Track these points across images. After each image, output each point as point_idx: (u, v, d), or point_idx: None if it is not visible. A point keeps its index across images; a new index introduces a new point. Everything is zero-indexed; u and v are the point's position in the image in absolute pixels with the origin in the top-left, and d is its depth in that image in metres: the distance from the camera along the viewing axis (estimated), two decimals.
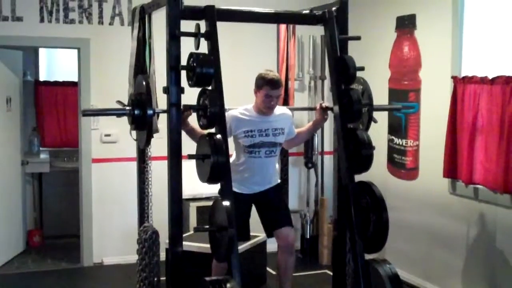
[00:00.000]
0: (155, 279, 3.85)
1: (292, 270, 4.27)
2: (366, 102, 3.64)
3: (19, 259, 5.89)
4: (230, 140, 3.62)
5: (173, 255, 3.31)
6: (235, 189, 3.53)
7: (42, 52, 7.05)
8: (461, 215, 4.46)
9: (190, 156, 3.20)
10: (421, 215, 4.93)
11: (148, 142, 3.55)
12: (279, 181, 4.33)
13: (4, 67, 5.73)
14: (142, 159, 4.08)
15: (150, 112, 3.34)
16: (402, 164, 5.13)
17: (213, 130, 3.30)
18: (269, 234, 4.23)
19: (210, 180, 3.15)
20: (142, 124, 3.42)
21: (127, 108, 3.44)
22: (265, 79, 3.90)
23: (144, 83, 3.44)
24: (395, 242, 3.72)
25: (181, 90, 3.31)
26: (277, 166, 4.34)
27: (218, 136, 3.16)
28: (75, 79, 5.98)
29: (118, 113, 3.56)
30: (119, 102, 3.66)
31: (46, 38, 5.45)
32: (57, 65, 7.23)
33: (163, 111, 3.49)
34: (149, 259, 3.82)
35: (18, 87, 6.06)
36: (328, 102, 5.90)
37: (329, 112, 3.98)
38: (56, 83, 6.98)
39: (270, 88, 3.88)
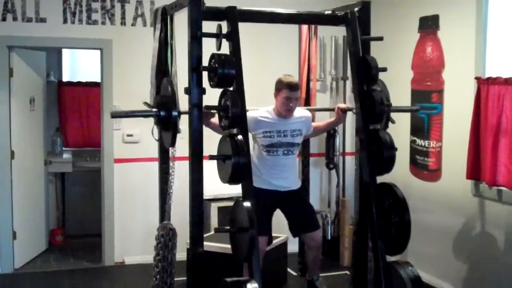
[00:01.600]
0: (168, 274, 3.85)
1: (319, 261, 4.57)
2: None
3: (42, 257, 5.95)
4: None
5: (194, 256, 3.32)
6: (255, 184, 3.59)
7: (65, 52, 7.11)
8: (484, 217, 4.42)
9: (211, 157, 3.21)
10: (443, 217, 4.89)
11: (173, 142, 3.62)
12: (300, 183, 4.50)
13: (28, 67, 5.79)
14: (164, 159, 4.09)
15: (175, 113, 3.42)
16: (424, 165, 5.09)
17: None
18: (296, 235, 4.45)
19: (231, 180, 3.15)
20: (168, 125, 3.50)
21: (154, 110, 3.53)
22: (284, 82, 4.12)
23: (169, 85, 3.53)
24: (416, 244, 3.70)
25: (203, 91, 3.31)
26: (297, 166, 4.49)
27: (239, 137, 3.16)
28: (98, 80, 6.03)
29: (145, 114, 3.66)
30: (146, 103, 3.75)
31: (69, 39, 5.50)
32: (80, 66, 7.28)
33: (186, 113, 3.53)
34: (163, 255, 3.84)
35: (42, 87, 6.12)
36: (349, 103, 5.94)
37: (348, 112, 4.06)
38: (79, 84, 7.04)
39: (289, 91, 4.08)
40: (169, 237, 3.86)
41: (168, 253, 3.83)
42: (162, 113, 3.46)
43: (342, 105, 4.41)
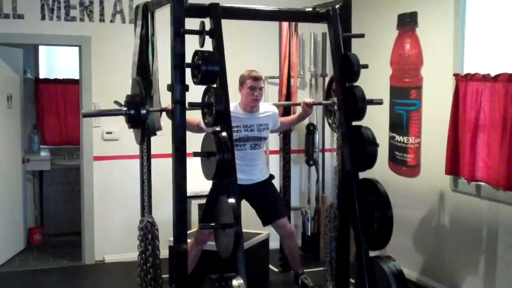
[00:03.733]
0: (153, 266, 3.84)
1: (298, 252, 4.72)
2: None
3: (20, 257, 5.89)
4: None
5: (178, 253, 3.32)
6: None
7: (42, 49, 7.05)
8: (463, 212, 4.48)
9: (195, 154, 3.21)
10: (423, 212, 4.95)
11: (143, 140, 3.79)
12: (268, 174, 4.61)
13: (5, 64, 5.72)
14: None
15: (143, 111, 3.57)
16: (403, 161, 5.14)
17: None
18: (265, 224, 4.59)
19: (216, 177, 3.16)
20: (137, 123, 3.64)
21: (124, 108, 3.63)
22: (246, 74, 4.31)
23: (138, 85, 3.66)
24: (396, 239, 3.74)
25: (186, 88, 3.31)
26: (264, 159, 4.65)
27: (224, 133, 3.16)
28: (75, 77, 5.99)
29: (115, 113, 3.79)
30: (116, 102, 3.80)
31: (48, 35, 5.45)
32: (56, 63, 7.23)
33: (157, 110, 3.78)
34: (145, 247, 3.86)
35: (19, 84, 6.05)
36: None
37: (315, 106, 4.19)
38: (56, 81, 6.97)
39: (252, 80, 4.24)
40: (148, 229, 3.86)
41: (149, 245, 3.82)
42: (131, 111, 3.58)
43: (307, 100, 4.53)
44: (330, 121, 4.46)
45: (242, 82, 4.30)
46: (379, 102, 3.99)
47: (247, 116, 4.31)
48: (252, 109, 4.31)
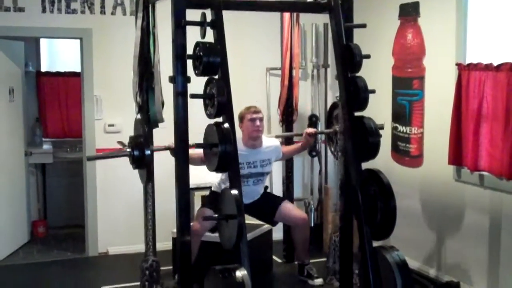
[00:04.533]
0: None
1: (308, 242, 4.73)
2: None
3: (24, 249, 5.91)
4: None
5: (181, 244, 3.32)
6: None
7: (43, 42, 7.04)
8: (466, 202, 4.47)
9: (198, 146, 3.21)
10: (426, 203, 4.94)
11: (149, 180, 3.85)
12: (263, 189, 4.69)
13: (6, 57, 5.72)
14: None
15: (148, 152, 3.69)
16: (406, 151, 5.13)
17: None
18: (274, 223, 4.70)
19: (218, 169, 3.15)
20: (141, 164, 3.75)
21: (128, 149, 3.72)
22: (244, 109, 4.41)
23: (141, 125, 3.76)
24: (399, 229, 3.73)
25: (188, 79, 3.30)
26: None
27: (226, 125, 3.16)
28: (77, 69, 5.99)
29: (120, 155, 3.83)
30: (120, 142, 3.88)
31: (49, 28, 5.44)
32: (58, 56, 7.21)
33: (160, 149, 3.86)
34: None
35: (20, 77, 6.05)
36: (330, 90, 5.97)
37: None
38: (57, 74, 6.97)
39: (251, 113, 4.38)
40: (153, 268, 3.95)
41: (153, 283, 3.92)
42: (135, 152, 3.69)
43: (309, 130, 4.64)
44: (332, 149, 4.48)
45: (241, 117, 4.40)
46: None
47: (250, 152, 4.36)
48: (255, 143, 4.37)
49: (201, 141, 3.30)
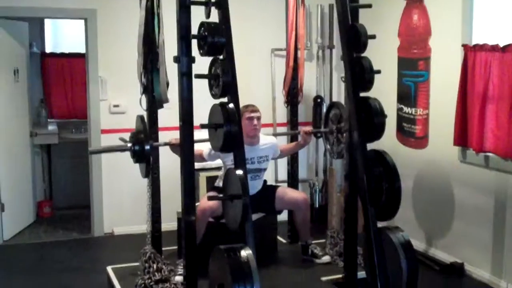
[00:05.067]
0: None
1: (309, 222, 4.74)
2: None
3: (30, 229, 5.95)
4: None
5: (186, 224, 3.33)
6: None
7: (48, 23, 7.02)
8: (472, 183, 4.47)
9: (202, 126, 3.20)
10: (431, 184, 4.95)
11: (148, 173, 4.03)
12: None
13: (11, 38, 5.72)
14: (154, 129, 4.15)
15: (147, 147, 3.84)
16: (411, 132, 5.13)
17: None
18: (277, 212, 4.75)
19: (223, 149, 3.15)
20: (142, 158, 3.89)
21: (129, 144, 3.88)
22: (243, 107, 4.30)
23: (141, 121, 3.90)
24: (404, 210, 3.75)
25: (192, 60, 3.29)
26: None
27: (231, 105, 3.15)
28: (81, 51, 5.98)
29: (121, 149, 3.99)
30: (121, 139, 4.02)
31: (53, 9, 5.43)
32: (62, 37, 7.21)
33: (160, 145, 4.11)
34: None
35: (25, 58, 6.05)
36: (336, 71, 5.95)
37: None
38: (62, 55, 6.97)
39: (249, 112, 4.39)
40: (152, 260, 4.08)
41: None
42: (136, 147, 3.85)
43: (306, 129, 4.67)
44: (329, 147, 4.47)
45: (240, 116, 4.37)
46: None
47: (247, 149, 4.27)
48: (253, 140, 4.37)
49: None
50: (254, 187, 4.51)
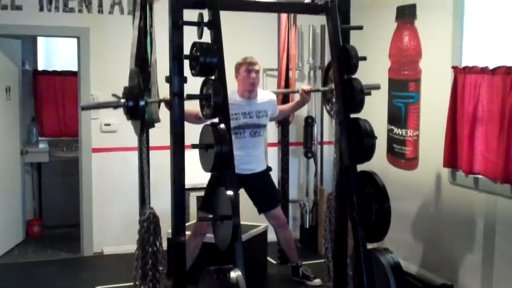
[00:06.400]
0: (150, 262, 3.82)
1: (293, 241, 4.81)
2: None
3: (19, 248, 5.91)
4: None
5: (176, 245, 3.32)
6: None
7: (40, 41, 7.03)
8: (461, 205, 4.48)
9: (193, 146, 3.21)
10: (420, 205, 4.95)
11: (142, 131, 3.78)
12: (265, 166, 4.61)
13: (3, 56, 5.72)
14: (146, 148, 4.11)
15: (142, 103, 3.56)
16: (401, 154, 5.14)
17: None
18: (260, 212, 4.65)
19: (214, 169, 3.15)
20: (136, 115, 3.63)
21: (122, 100, 3.63)
22: (240, 60, 4.39)
23: (135, 76, 3.65)
24: (394, 232, 3.75)
25: (184, 80, 3.30)
26: (263, 148, 4.68)
27: (222, 125, 3.16)
28: (74, 69, 5.99)
29: (114, 105, 3.78)
30: (114, 95, 3.84)
31: (46, 27, 5.45)
32: (55, 55, 7.22)
33: (156, 101, 3.75)
34: (147, 240, 3.80)
35: (17, 76, 6.05)
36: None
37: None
38: (54, 73, 6.97)
39: (248, 64, 4.33)
40: (151, 221, 3.80)
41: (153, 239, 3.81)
42: (129, 103, 3.57)
43: (305, 87, 4.56)
44: (328, 108, 4.47)
45: (237, 69, 4.36)
46: (376, 87, 4.00)
47: (246, 102, 4.31)
48: (250, 94, 4.32)
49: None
50: (254, 145, 4.41)
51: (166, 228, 4.17)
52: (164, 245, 4.65)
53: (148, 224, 3.76)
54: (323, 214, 5.63)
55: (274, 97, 4.59)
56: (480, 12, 4.34)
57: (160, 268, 3.78)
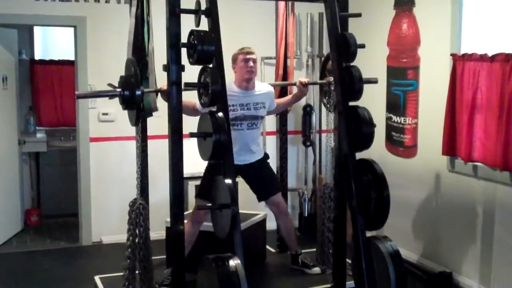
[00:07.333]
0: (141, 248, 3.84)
1: (293, 229, 4.76)
2: None
3: (18, 238, 5.91)
4: None
5: (175, 234, 3.31)
6: None
7: (37, 30, 7.00)
8: (460, 192, 4.48)
9: (192, 135, 3.20)
10: (419, 193, 4.95)
11: (138, 121, 3.78)
12: (263, 154, 4.57)
13: (0, 45, 5.69)
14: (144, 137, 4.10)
15: (138, 92, 3.55)
16: (400, 142, 5.14)
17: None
18: (260, 199, 4.59)
19: (212, 158, 3.15)
20: (131, 104, 3.63)
21: (118, 90, 3.60)
22: (237, 51, 4.31)
23: (132, 65, 3.62)
24: (393, 220, 3.75)
25: (182, 68, 3.29)
26: (261, 139, 4.66)
27: (220, 114, 3.15)
28: (71, 58, 5.97)
29: (109, 95, 3.73)
30: (110, 84, 3.78)
31: (42, 16, 5.41)
32: (52, 44, 7.18)
33: (152, 91, 3.78)
34: (133, 230, 3.83)
35: (14, 65, 6.02)
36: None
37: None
38: (51, 62, 6.95)
39: (245, 53, 4.25)
40: (139, 211, 3.83)
41: (141, 227, 3.82)
42: (125, 93, 3.55)
43: (303, 79, 4.52)
44: (325, 100, 4.47)
45: (234, 59, 4.31)
46: (374, 81, 3.98)
47: (243, 94, 4.26)
48: (248, 84, 4.26)
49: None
50: (251, 138, 4.37)
51: (164, 216, 4.18)
52: (163, 234, 4.70)
53: (137, 214, 3.78)
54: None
55: (272, 89, 4.54)
56: None
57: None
